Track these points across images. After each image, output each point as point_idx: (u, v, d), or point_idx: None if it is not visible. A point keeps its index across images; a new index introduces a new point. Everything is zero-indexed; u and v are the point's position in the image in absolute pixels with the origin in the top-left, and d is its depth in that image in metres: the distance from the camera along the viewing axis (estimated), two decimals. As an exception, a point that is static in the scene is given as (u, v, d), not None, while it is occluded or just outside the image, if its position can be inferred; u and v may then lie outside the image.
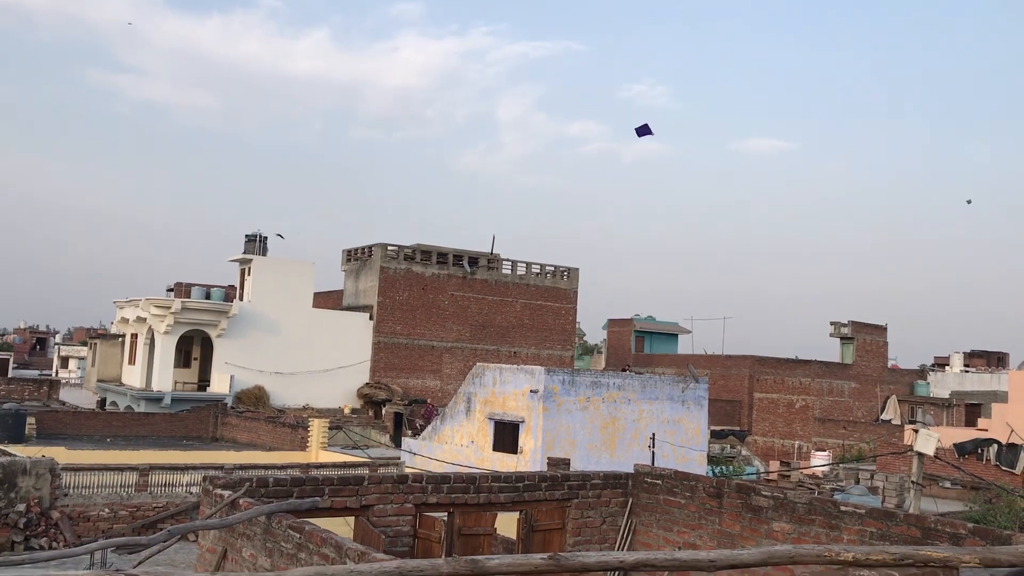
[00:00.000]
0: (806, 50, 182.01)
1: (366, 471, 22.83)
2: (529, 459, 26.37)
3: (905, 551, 6.07)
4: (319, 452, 30.34)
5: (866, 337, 62.29)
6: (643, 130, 27.15)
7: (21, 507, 17.74)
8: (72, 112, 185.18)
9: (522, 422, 27.33)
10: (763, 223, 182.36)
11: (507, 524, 11.60)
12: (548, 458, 20.14)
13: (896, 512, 9.18)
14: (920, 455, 17.93)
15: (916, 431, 18.48)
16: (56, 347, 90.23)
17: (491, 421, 28.40)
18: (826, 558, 5.94)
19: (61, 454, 24.02)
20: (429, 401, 48.08)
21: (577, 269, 57.07)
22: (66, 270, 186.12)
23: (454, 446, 29.42)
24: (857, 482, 32.22)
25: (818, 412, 56.46)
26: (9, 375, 59.04)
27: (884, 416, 58.92)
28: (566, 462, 17.93)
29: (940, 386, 65.79)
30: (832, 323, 63.15)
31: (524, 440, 27.18)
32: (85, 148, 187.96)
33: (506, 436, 27.97)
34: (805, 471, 36.25)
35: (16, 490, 17.89)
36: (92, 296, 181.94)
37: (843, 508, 9.27)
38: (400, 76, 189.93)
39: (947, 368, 70.85)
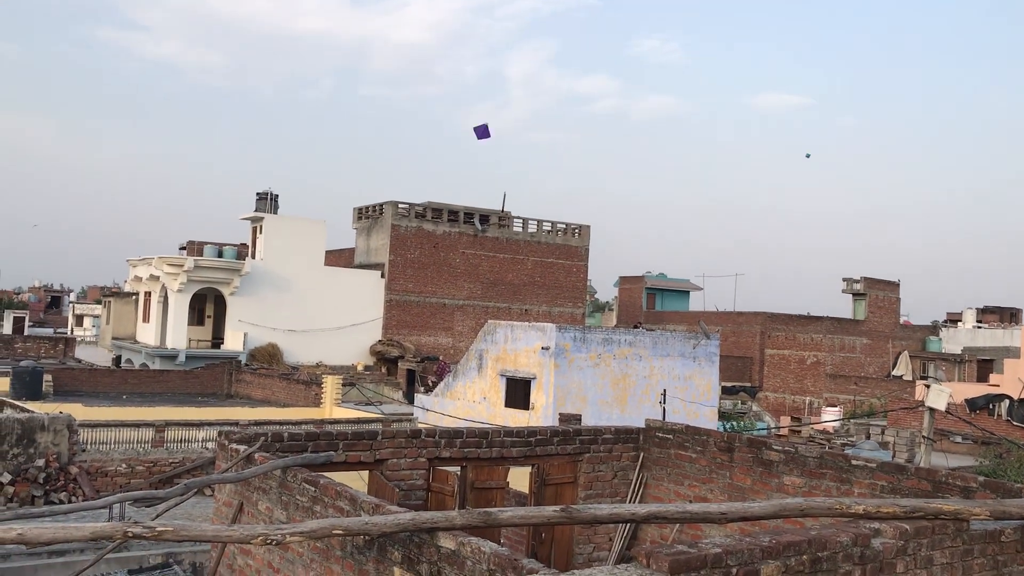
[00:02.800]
0: (819, 3, 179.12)
1: (380, 426, 23.03)
2: (541, 415, 26.53)
3: (916, 504, 6.10)
4: (333, 408, 30.59)
5: (878, 293, 62.05)
6: (481, 132, 27.45)
7: (40, 462, 18.00)
8: (83, 71, 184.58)
9: (534, 379, 27.46)
10: (775, 179, 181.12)
11: (519, 478, 11.71)
12: (560, 414, 20.27)
13: (907, 466, 9.22)
14: (931, 410, 17.94)
15: (928, 387, 18.47)
16: (71, 305, 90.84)
17: (503, 378, 28.54)
18: (837, 511, 5.98)
19: (78, 411, 24.27)
20: (441, 358, 48.33)
21: (588, 226, 56.92)
22: (79, 229, 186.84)
23: (466, 402, 29.62)
24: (868, 437, 32.30)
25: (829, 368, 56.48)
26: (25, 333, 59.64)
27: (896, 372, 58.90)
28: (577, 418, 18.03)
29: (952, 342, 65.64)
30: (844, 279, 62.91)
31: (536, 396, 27.33)
32: (96, 107, 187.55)
33: (518, 392, 28.12)
34: (816, 426, 36.36)
35: (35, 446, 18.14)
36: (105, 254, 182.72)
37: (854, 462, 9.30)
38: (409, 33, 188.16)
39: (959, 324, 70.63)
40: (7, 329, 62.81)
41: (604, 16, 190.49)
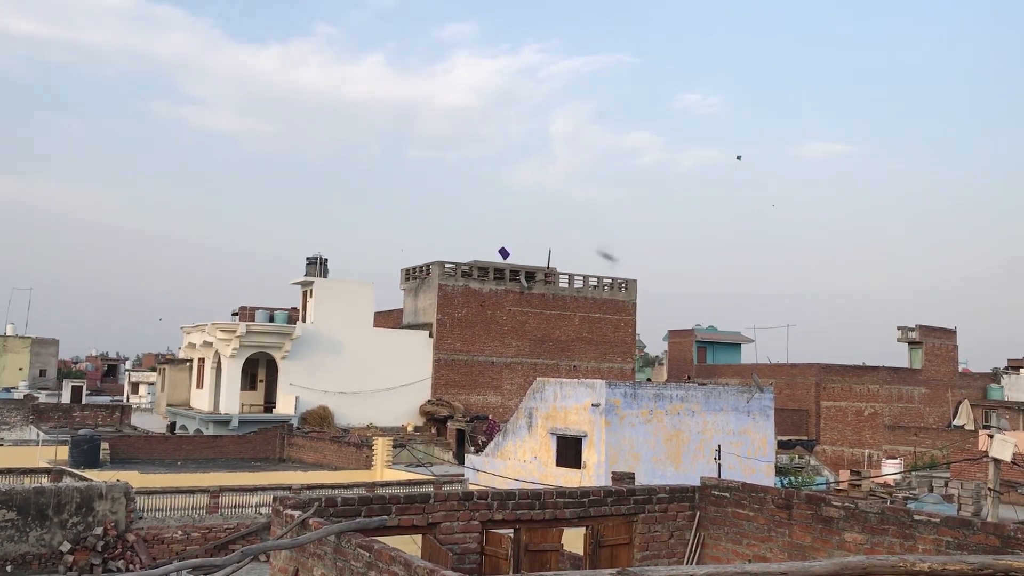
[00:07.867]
0: (861, 51, 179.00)
1: (431, 489, 22.96)
2: (593, 474, 26.25)
3: (984, 560, 5.92)
4: (384, 471, 30.57)
5: (935, 341, 60.76)
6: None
7: (98, 530, 18.20)
8: (139, 144, 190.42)
9: (584, 436, 27.24)
10: (824, 228, 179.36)
11: (574, 540, 11.57)
12: (612, 472, 20.05)
13: (973, 520, 8.95)
14: (996, 461, 17.43)
15: (991, 436, 17.97)
16: (126, 373, 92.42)
17: (553, 436, 28.35)
18: (901, 568, 5.83)
19: (135, 478, 24.56)
20: (491, 417, 48.17)
21: (635, 280, 56.79)
22: (133, 297, 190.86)
23: (517, 462, 29.43)
24: (931, 490, 31.42)
25: (888, 419, 55.18)
26: (83, 402, 60.78)
27: (956, 422, 57.36)
28: (631, 476, 17.84)
29: (1015, 389, 63.80)
30: (899, 328, 61.76)
31: (587, 455, 27.07)
32: (151, 178, 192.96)
33: (569, 451, 27.90)
34: (876, 480, 35.45)
35: (93, 514, 18.37)
36: (159, 322, 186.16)
37: (917, 517, 9.06)
38: (454, 97, 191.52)
39: (1022, 371, 68.71)
40: (66, 398, 64.07)
41: (645, 73, 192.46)
